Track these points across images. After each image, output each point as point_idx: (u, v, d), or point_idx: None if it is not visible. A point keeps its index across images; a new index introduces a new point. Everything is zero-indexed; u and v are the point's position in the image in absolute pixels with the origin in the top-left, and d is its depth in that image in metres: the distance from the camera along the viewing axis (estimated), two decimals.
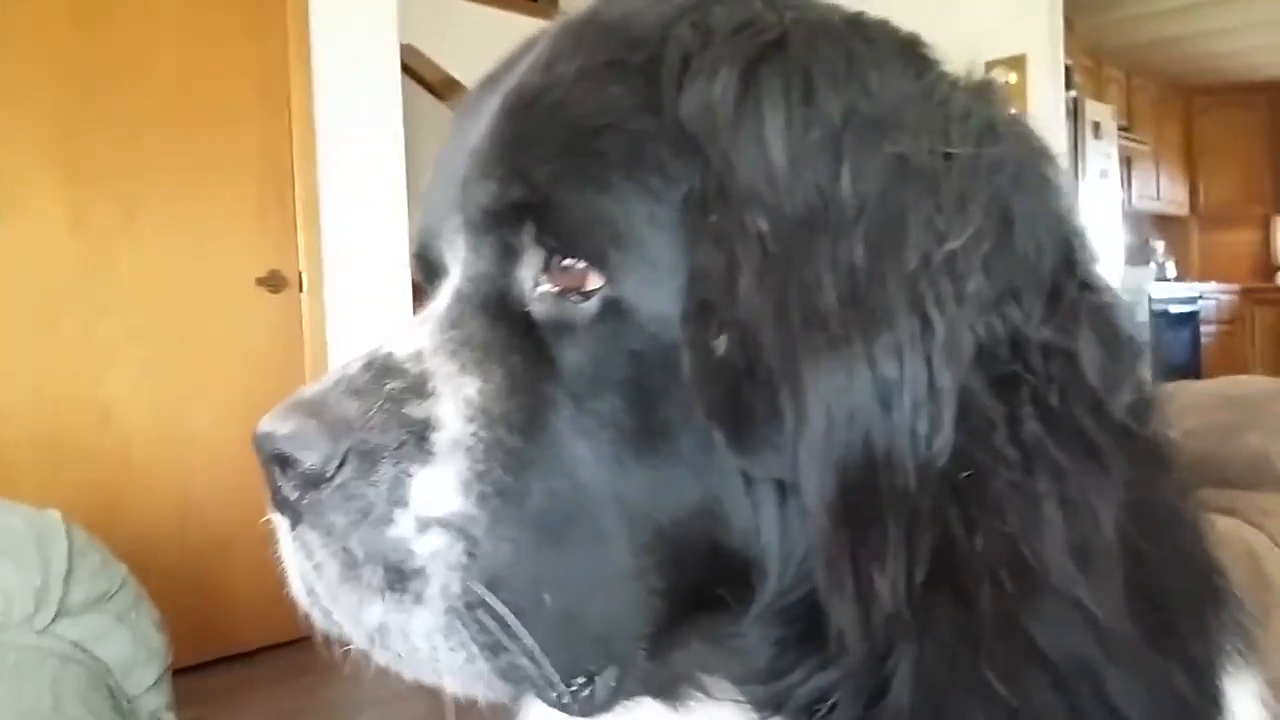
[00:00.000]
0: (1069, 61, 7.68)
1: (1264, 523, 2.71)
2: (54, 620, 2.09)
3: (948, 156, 0.76)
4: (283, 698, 4.29)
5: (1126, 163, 10.32)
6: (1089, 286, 0.81)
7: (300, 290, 4.93)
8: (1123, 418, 0.81)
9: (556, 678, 0.79)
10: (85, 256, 4.41)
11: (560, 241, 0.81)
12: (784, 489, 0.77)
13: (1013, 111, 0.84)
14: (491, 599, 0.76)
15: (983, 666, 0.74)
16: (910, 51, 0.84)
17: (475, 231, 0.86)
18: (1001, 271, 0.75)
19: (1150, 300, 9.77)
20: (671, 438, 0.79)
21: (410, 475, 0.77)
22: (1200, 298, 10.76)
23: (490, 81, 0.94)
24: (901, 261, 0.73)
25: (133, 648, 2.15)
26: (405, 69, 5.58)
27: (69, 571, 2.12)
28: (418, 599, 0.77)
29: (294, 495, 0.78)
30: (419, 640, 0.77)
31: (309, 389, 0.81)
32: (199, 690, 4.32)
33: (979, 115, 0.80)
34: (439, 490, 0.77)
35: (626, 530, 0.79)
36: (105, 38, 4.45)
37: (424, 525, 0.77)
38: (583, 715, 0.82)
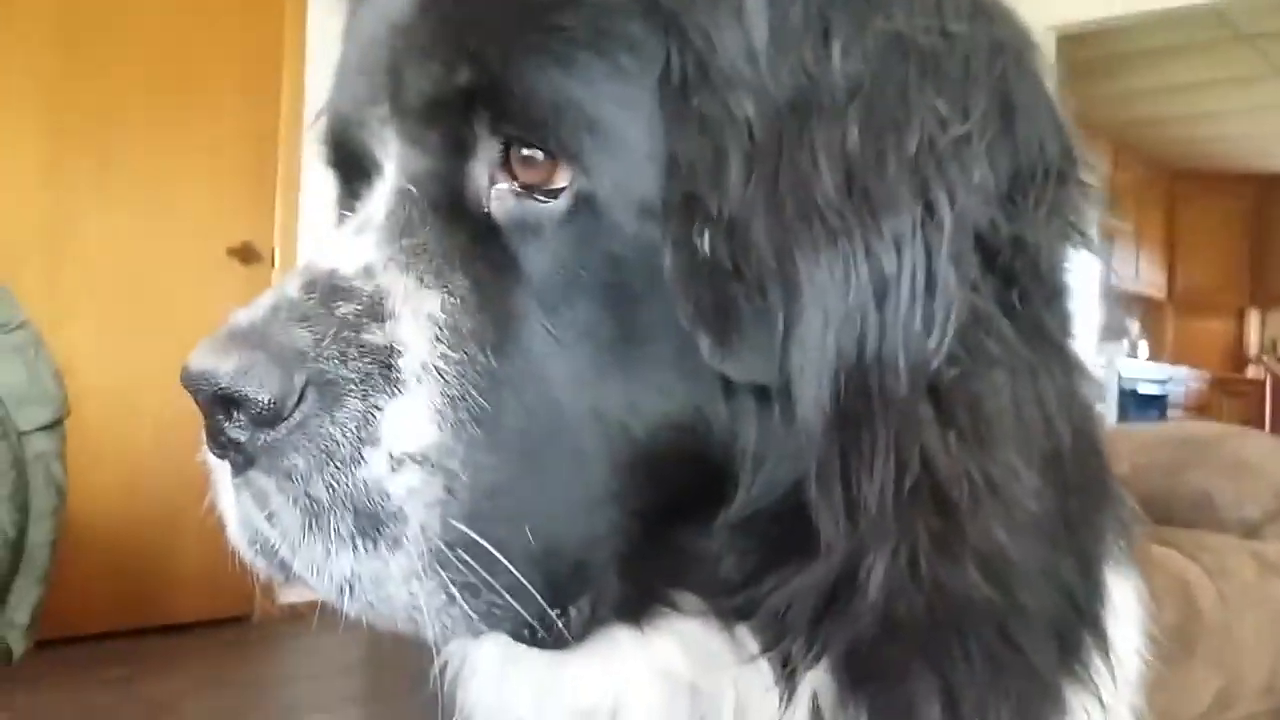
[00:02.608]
0: None
1: (1199, 556, 2.74)
2: None
3: (946, 35, 0.72)
4: (211, 667, 4.25)
5: (1107, 239, 10.44)
6: (1080, 182, 0.79)
7: (273, 265, 4.91)
8: (1063, 312, 0.81)
9: (538, 612, 0.74)
10: (54, 209, 4.39)
11: (521, 130, 0.73)
12: (765, 394, 0.73)
13: None
14: (476, 536, 0.71)
15: (941, 565, 0.73)
16: None
17: (416, 122, 0.77)
18: (1006, 161, 0.72)
19: (1120, 377, 9.85)
20: (651, 344, 0.74)
21: (379, 409, 0.70)
22: (1170, 381, 10.84)
23: None
24: (903, 146, 0.69)
25: (27, 383, 2.11)
26: None
27: None
28: (394, 543, 0.70)
29: (243, 437, 0.70)
30: (395, 587, 0.71)
31: (244, 315, 0.72)
32: (130, 652, 4.30)
33: None
34: (411, 422, 0.71)
35: (605, 447, 0.74)
36: None
37: (398, 462, 0.70)
38: (558, 648, 0.79)
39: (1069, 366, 0.80)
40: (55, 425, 2.17)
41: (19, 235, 4.32)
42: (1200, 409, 11.21)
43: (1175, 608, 2.59)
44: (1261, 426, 10.29)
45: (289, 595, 4.57)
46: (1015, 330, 0.74)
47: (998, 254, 0.73)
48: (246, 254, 4.85)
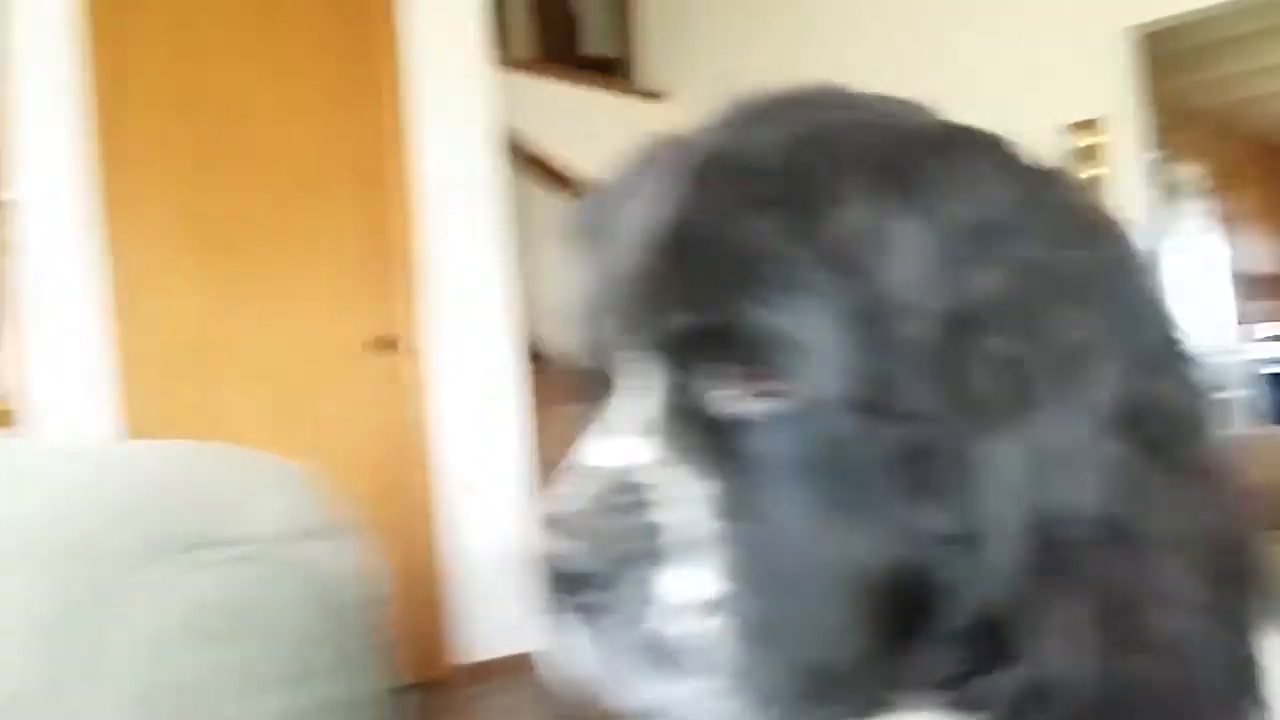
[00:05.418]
0: (1155, 121, 7.68)
1: None
2: None
3: (1069, 257, 0.93)
4: None
5: (1225, 223, 10.12)
6: (1186, 358, 0.98)
7: (406, 354, 5.22)
8: (1202, 443, 0.98)
9: None
10: (207, 325, 4.78)
11: (744, 359, 0.94)
12: (961, 541, 0.91)
13: (1097, 204, 1.01)
14: (750, 666, 0.91)
15: (1124, 661, 0.89)
16: (1001, 155, 1.00)
17: (664, 352, 0.98)
18: (1124, 352, 0.92)
19: (1254, 362, 9.51)
20: (866, 509, 0.93)
21: (672, 571, 0.91)
22: None
23: (610, 205, 1.07)
24: (1038, 350, 0.89)
25: None
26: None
27: None
28: (690, 673, 0.91)
29: (583, 603, 0.92)
30: (691, 708, 0.93)
31: (565, 508, 0.95)
32: None
33: (1079, 214, 0.98)
34: (696, 580, 0.91)
35: (845, 591, 0.93)
36: (204, 119, 4.84)
37: (689, 612, 0.91)
38: None
39: (1214, 493, 0.95)
40: None
41: (177, 355, 4.70)
42: None
43: None
44: None
45: (474, 655, 4.85)
46: (1166, 472, 0.91)
47: (1139, 417, 0.90)
48: (382, 345, 5.14)
